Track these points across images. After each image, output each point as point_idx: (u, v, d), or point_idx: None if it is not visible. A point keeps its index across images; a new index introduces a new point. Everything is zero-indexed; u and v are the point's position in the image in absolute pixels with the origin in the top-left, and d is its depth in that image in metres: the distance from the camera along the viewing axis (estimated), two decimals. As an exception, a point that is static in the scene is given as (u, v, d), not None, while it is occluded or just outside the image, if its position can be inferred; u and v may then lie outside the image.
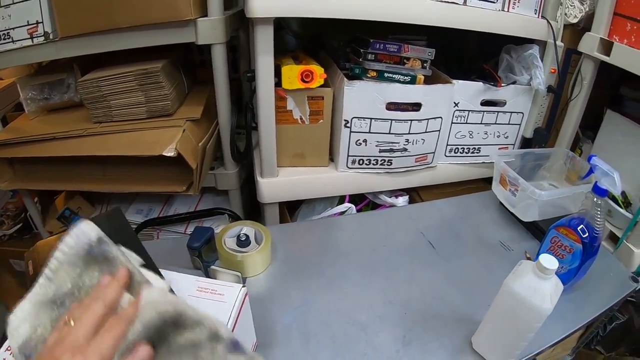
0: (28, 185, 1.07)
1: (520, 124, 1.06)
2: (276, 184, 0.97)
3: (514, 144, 1.09)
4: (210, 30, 0.90)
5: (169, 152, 0.91)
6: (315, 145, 0.99)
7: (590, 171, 0.79)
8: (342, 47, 1.01)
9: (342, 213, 0.98)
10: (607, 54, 0.92)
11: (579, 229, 0.74)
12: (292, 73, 0.88)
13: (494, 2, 0.92)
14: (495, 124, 1.04)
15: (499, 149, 1.07)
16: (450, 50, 1.05)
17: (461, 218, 0.98)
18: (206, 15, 0.90)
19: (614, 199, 0.94)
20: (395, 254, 0.86)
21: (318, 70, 0.89)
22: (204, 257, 0.78)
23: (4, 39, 0.99)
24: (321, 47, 1.14)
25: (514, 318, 0.61)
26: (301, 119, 0.95)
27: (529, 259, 0.87)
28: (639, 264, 0.89)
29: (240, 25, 1.11)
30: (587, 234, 0.73)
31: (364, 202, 1.05)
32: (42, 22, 0.94)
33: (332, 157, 1.02)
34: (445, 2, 0.88)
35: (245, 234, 0.79)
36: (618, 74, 1.00)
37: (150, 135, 0.96)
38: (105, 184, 1.04)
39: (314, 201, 1.05)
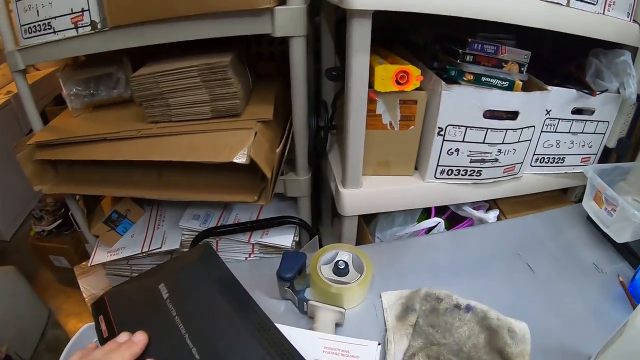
0: (73, 190, 0.94)
1: (604, 134, 0.97)
2: (360, 195, 0.86)
3: (596, 154, 1.00)
4: (289, 20, 0.77)
5: (241, 159, 0.80)
6: (402, 153, 0.88)
7: None
8: (430, 44, 0.90)
9: (430, 229, 0.88)
10: None
11: None
12: (386, 74, 0.77)
13: (594, 4, 0.82)
14: (582, 133, 0.94)
15: (582, 159, 0.99)
16: (537, 53, 0.95)
17: (552, 236, 0.89)
18: (284, 3, 0.77)
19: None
20: (496, 280, 0.78)
21: (414, 71, 0.78)
22: (295, 286, 0.68)
23: (45, 29, 0.85)
24: (393, 40, 1.03)
25: None
26: (390, 124, 0.84)
27: (622, 282, 0.80)
28: None
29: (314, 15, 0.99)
30: None
31: (446, 214, 0.96)
32: (89, 10, 0.81)
33: (416, 166, 0.92)
34: (549, 2, 0.78)
35: (344, 262, 0.69)
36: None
37: (216, 138, 0.84)
38: (161, 190, 0.92)
39: (393, 212, 0.95)
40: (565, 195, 1.11)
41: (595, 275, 0.81)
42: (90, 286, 1.17)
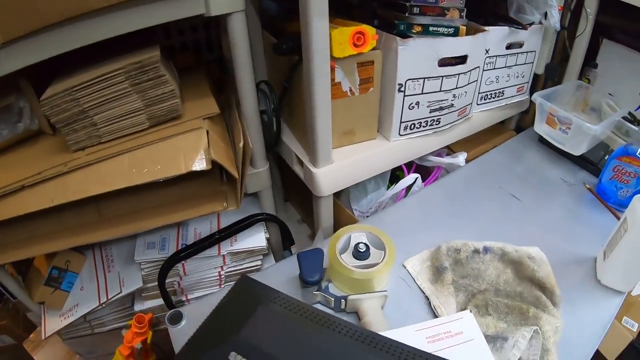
0: (-9, 260, 0.74)
1: (533, 62, 1.05)
2: (333, 171, 0.81)
3: (528, 82, 1.08)
4: None
5: (200, 165, 0.70)
6: (364, 117, 0.84)
7: None
8: (367, 2, 0.86)
9: (410, 187, 0.87)
10: None
11: (638, 154, 0.80)
12: (342, 37, 0.71)
13: None
14: (516, 65, 1.01)
15: (517, 89, 1.06)
16: None
17: (518, 164, 0.98)
18: None
19: (626, 120, 1.01)
20: (493, 215, 0.83)
21: (370, 30, 0.73)
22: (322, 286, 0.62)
23: None
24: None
25: None
26: (350, 90, 0.79)
27: (589, 189, 0.90)
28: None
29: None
30: None
31: (412, 168, 0.95)
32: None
33: (378, 128, 0.88)
34: None
35: (364, 244, 0.64)
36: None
37: (163, 148, 0.72)
38: (106, 228, 0.77)
39: (363, 180, 0.92)
40: (503, 126, 1.19)
41: (566, 188, 0.91)
42: (49, 359, 0.98)
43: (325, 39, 0.67)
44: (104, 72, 0.67)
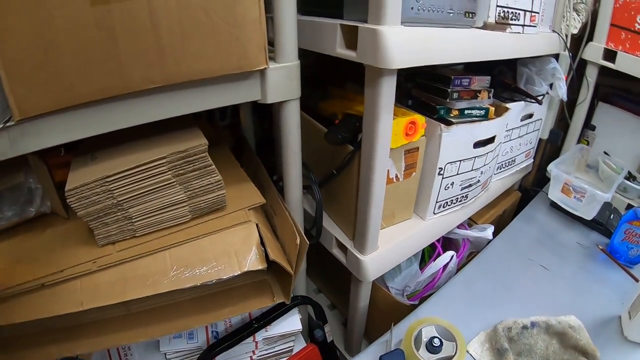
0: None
1: (539, 129, 1.12)
2: (379, 257, 0.79)
3: (534, 147, 1.16)
4: (283, 81, 0.63)
5: (256, 265, 0.65)
6: (404, 200, 0.84)
7: None
8: (402, 82, 0.87)
9: (446, 264, 0.89)
10: (610, 60, 1.06)
11: None
12: (398, 128, 0.71)
13: (534, 27, 0.91)
14: (527, 134, 1.07)
15: (526, 154, 1.13)
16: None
17: (538, 231, 1.06)
18: (273, 60, 0.62)
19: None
20: (530, 288, 0.87)
21: (420, 120, 0.74)
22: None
23: None
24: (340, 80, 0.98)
25: None
26: (396, 176, 0.78)
27: (602, 249, 0.98)
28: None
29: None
30: None
31: (440, 244, 0.97)
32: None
33: (414, 208, 0.89)
34: (511, 32, 0.83)
35: (438, 339, 0.64)
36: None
37: (211, 245, 0.66)
38: (134, 328, 0.68)
39: None
40: (510, 188, 1.26)
41: (582, 250, 1.00)
42: None
43: (388, 132, 0.66)
44: (143, 161, 0.60)
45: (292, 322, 0.85)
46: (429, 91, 0.84)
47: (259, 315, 0.81)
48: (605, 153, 1.20)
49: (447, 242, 0.99)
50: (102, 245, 0.65)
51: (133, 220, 0.65)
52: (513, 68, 1.06)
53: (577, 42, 1.11)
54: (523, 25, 0.87)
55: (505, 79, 1.07)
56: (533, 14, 0.88)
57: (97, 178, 0.59)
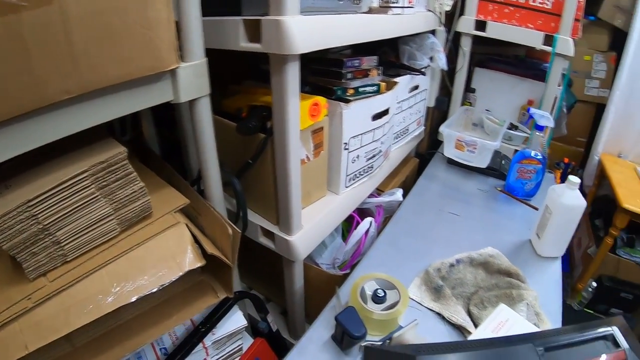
0: None
1: (426, 99, 1.41)
2: (306, 235, 0.95)
3: (424, 115, 1.44)
4: (193, 79, 0.74)
5: (194, 262, 0.75)
6: (317, 179, 1.01)
7: (530, 117, 1.25)
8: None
9: (367, 231, 1.10)
10: (481, 30, 1.39)
11: (533, 155, 1.21)
12: (304, 110, 0.88)
13: (412, 7, 1.16)
14: (416, 104, 1.35)
15: (417, 123, 1.41)
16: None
17: (442, 186, 1.33)
18: (182, 59, 0.73)
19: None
20: (447, 234, 1.13)
21: (322, 101, 0.93)
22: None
23: None
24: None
25: (567, 219, 1.01)
26: (307, 157, 0.95)
27: (501, 190, 1.30)
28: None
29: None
30: (540, 156, 1.20)
31: (356, 214, 1.18)
32: None
33: (327, 185, 1.07)
34: (375, 14, 1.04)
35: (382, 290, 0.82)
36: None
37: (145, 254, 0.75)
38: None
39: None
40: (408, 155, 1.53)
41: (483, 195, 1.30)
42: None
43: (297, 114, 0.82)
44: (65, 177, 0.66)
45: (236, 319, 0.96)
46: (326, 75, 1.02)
47: (203, 319, 0.94)
48: (487, 110, 1.54)
49: (362, 213, 1.20)
50: (33, 279, 0.69)
51: (62, 244, 0.70)
52: (395, 48, 1.32)
53: (451, 17, 1.44)
54: (403, 7, 1.10)
55: (390, 58, 1.33)
56: (411, -4, 1.11)
57: (18, 204, 0.63)
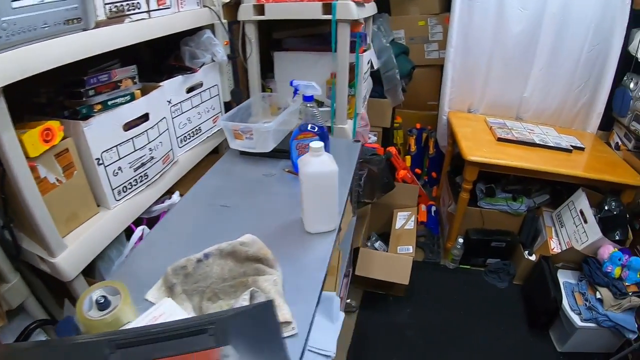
0: None
1: (218, 94, 1.58)
2: (71, 254, 1.09)
3: (221, 111, 1.62)
4: None
5: None
6: (80, 198, 1.14)
7: (296, 90, 1.43)
8: (53, 98, 1.17)
9: (141, 237, 1.25)
10: (261, 14, 1.58)
11: (309, 128, 1.38)
12: (33, 138, 0.99)
13: (169, 7, 1.31)
14: (202, 102, 1.50)
15: (213, 120, 1.58)
16: (142, 63, 1.37)
17: (228, 179, 1.48)
18: None
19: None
20: (211, 229, 1.26)
21: (54, 124, 1.04)
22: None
23: None
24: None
25: (322, 191, 1.15)
26: (57, 180, 1.07)
27: (289, 171, 1.48)
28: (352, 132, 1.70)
29: None
30: (316, 128, 1.37)
31: (144, 222, 1.33)
32: None
33: (97, 202, 1.21)
34: (135, 21, 1.20)
35: (102, 296, 0.92)
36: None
37: None
38: None
39: (105, 250, 1.22)
40: (218, 155, 1.71)
41: (268, 179, 1.47)
42: None
43: (17, 146, 0.94)
44: None
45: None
46: (70, 97, 1.15)
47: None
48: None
49: (154, 220, 1.38)
50: None
51: None
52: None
53: (236, 8, 1.63)
54: (148, 11, 1.26)
55: (170, 62, 1.50)
56: (160, -1, 1.25)
57: None
